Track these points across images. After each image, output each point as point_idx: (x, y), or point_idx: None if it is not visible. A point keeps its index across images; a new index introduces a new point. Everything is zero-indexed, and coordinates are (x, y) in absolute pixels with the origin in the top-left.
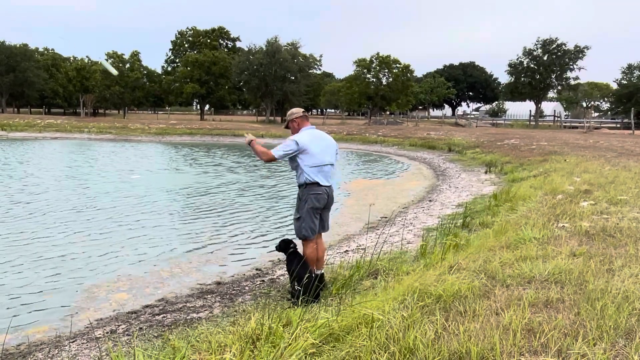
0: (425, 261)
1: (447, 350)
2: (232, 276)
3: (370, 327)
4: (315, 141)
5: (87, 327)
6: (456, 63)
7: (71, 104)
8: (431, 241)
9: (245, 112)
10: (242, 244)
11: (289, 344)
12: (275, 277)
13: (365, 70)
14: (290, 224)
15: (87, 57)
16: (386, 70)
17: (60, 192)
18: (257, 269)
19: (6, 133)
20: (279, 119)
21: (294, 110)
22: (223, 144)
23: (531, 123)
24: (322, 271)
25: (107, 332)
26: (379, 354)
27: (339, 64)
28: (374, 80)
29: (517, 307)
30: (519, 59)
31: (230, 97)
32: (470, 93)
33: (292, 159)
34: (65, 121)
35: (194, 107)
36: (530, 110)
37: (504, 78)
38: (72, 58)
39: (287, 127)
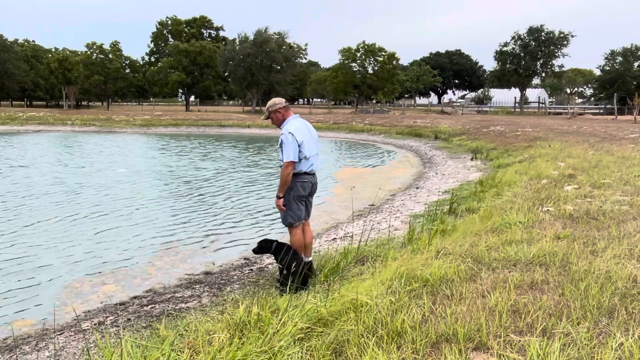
0: (413, 247)
1: (435, 332)
2: (221, 266)
3: (358, 311)
4: (304, 131)
5: (74, 320)
6: (442, 51)
7: (53, 96)
8: (418, 227)
9: (231, 102)
10: (231, 234)
11: (277, 330)
12: (263, 265)
13: (350, 60)
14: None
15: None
16: (372, 59)
17: (49, 187)
18: (245, 259)
19: None
20: (265, 109)
21: (277, 100)
22: (210, 134)
23: (516, 110)
24: (310, 259)
25: (95, 324)
26: (367, 337)
27: (324, 53)
28: (360, 69)
29: (502, 289)
30: (508, 44)
31: (215, 87)
32: (456, 81)
33: (282, 148)
34: (48, 114)
35: (179, 98)
36: (515, 97)
37: (489, 66)
38: (53, 49)
39: (267, 117)
